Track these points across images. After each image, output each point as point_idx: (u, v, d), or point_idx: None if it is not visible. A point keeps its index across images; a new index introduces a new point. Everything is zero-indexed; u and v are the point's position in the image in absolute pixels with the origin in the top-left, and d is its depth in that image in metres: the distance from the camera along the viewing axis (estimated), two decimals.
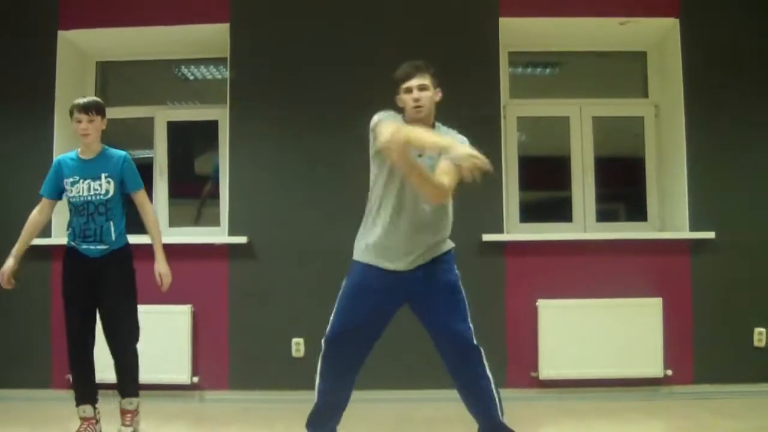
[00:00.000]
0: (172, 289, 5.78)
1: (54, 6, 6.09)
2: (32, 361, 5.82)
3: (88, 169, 4.46)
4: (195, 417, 5.43)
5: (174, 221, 6.39)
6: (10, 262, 4.49)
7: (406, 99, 3.86)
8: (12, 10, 6.10)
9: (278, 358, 5.79)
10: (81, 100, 4.50)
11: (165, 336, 5.71)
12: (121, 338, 4.50)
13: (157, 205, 6.33)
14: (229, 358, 5.85)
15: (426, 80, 3.87)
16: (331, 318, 3.85)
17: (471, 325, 3.91)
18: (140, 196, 4.59)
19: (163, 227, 6.24)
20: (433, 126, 3.90)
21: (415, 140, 3.46)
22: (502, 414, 3.86)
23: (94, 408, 4.52)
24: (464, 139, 3.84)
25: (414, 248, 3.78)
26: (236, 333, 5.86)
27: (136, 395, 4.62)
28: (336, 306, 3.87)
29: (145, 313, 5.55)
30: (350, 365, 3.85)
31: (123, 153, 4.58)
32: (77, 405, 4.48)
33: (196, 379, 5.79)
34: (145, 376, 5.47)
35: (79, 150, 4.55)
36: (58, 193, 4.56)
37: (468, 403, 3.93)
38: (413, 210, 3.75)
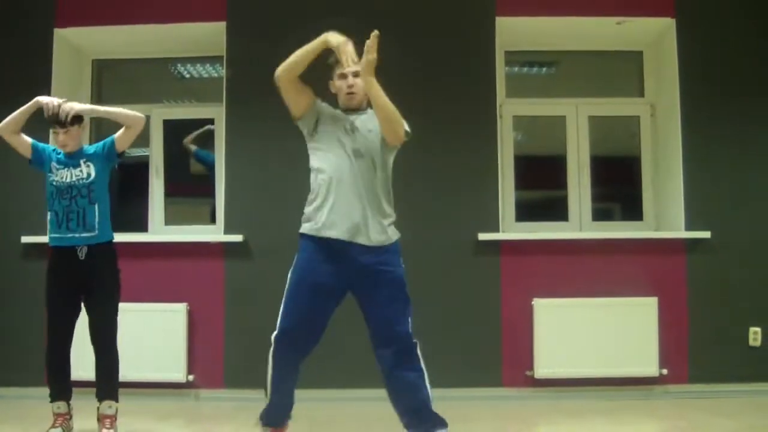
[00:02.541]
0: (167, 288, 5.81)
1: (50, 3, 6.09)
2: (26, 359, 5.80)
3: (70, 160, 4.51)
4: (190, 415, 5.43)
5: (170, 220, 6.37)
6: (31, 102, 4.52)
7: (340, 85, 3.94)
8: (8, 8, 6.09)
9: None
10: (50, 114, 4.48)
11: (160, 334, 5.71)
12: (107, 339, 4.48)
13: (152, 203, 6.33)
14: (225, 357, 5.85)
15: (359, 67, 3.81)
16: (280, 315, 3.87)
17: (410, 321, 3.81)
18: (117, 134, 4.57)
19: (158, 225, 6.27)
20: (365, 109, 3.95)
21: (298, 58, 3.99)
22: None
23: (68, 405, 4.52)
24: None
25: (359, 217, 3.74)
26: (232, 331, 5.85)
27: (116, 399, 4.53)
28: (283, 302, 3.90)
29: (141, 311, 5.60)
30: (299, 358, 3.87)
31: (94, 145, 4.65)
32: (52, 401, 4.48)
33: (191, 378, 5.79)
34: (140, 374, 5.50)
35: None
36: (38, 154, 4.57)
37: (397, 397, 3.86)
38: (355, 179, 3.77)
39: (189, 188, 6.80)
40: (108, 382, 4.50)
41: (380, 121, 3.79)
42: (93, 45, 6.42)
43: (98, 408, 4.50)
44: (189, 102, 6.90)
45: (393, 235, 3.86)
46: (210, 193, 6.34)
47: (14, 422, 4.96)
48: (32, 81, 5.99)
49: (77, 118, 4.52)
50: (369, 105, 3.93)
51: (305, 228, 3.89)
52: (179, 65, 6.76)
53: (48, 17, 6.08)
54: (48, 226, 4.52)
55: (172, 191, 6.44)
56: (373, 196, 3.79)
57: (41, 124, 4.55)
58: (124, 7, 6.08)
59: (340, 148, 3.82)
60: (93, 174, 4.49)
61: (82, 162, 4.50)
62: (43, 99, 4.46)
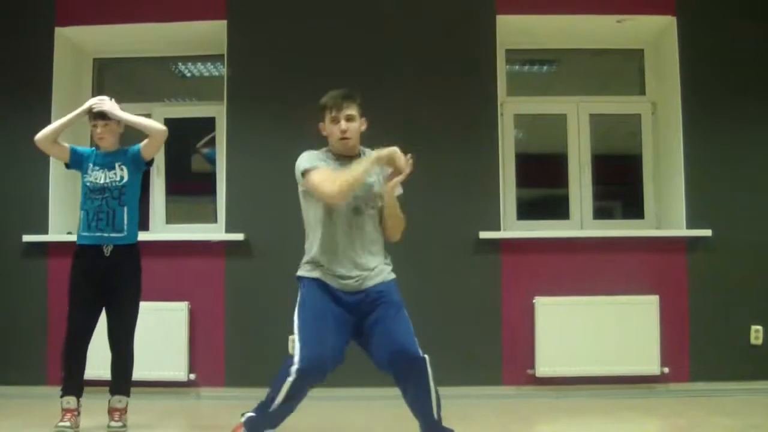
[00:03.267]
0: (169, 286, 5.81)
1: (51, 2, 6.09)
2: (27, 358, 5.82)
3: (106, 161, 4.62)
4: (191, 414, 5.44)
5: (171, 218, 6.37)
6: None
7: (332, 129, 3.84)
8: (8, 7, 6.09)
9: (275, 356, 5.73)
10: (97, 107, 4.63)
11: (162, 333, 5.70)
12: (124, 338, 4.61)
13: (154, 201, 6.33)
14: (226, 355, 5.85)
15: (353, 110, 3.83)
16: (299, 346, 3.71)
17: (415, 338, 3.74)
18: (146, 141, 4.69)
19: (159, 224, 6.27)
20: (359, 154, 3.86)
21: (357, 182, 3.64)
22: (440, 413, 3.76)
23: (78, 401, 4.54)
24: None
25: (355, 268, 3.76)
26: (233, 330, 5.85)
27: (128, 395, 4.67)
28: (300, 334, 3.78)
29: (142, 310, 5.56)
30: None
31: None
32: (63, 395, 4.52)
33: (192, 376, 5.79)
34: (141, 373, 5.47)
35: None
36: (77, 157, 4.66)
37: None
38: (349, 233, 3.78)
39: (190, 187, 6.80)
40: (123, 380, 4.65)
41: (390, 226, 3.90)
42: (94, 44, 6.41)
43: (109, 401, 4.63)
44: (190, 101, 6.90)
45: (389, 275, 3.93)
46: (211, 191, 6.34)
47: (15, 420, 4.95)
48: (33, 80, 6.01)
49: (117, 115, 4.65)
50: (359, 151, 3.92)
51: None
52: (180, 64, 6.76)
53: (49, 16, 6.08)
54: (79, 225, 4.63)
55: (173, 190, 6.44)
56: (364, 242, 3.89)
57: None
58: (125, 5, 6.08)
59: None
60: (126, 177, 4.60)
61: (117, 165, 4.60)
62: (93, 100, 4.63)
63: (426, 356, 3.70)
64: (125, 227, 4.57)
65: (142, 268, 4.69)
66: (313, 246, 3.89)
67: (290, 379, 3.61)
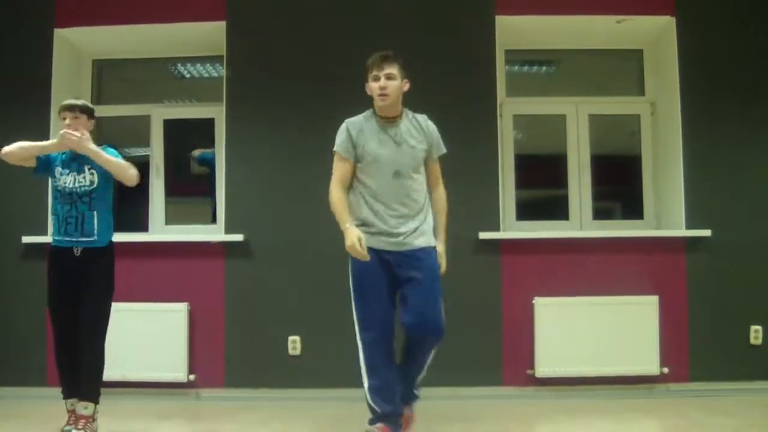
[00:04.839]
0: (168, 288, 5.81)
1: (50, 3, 6.10)
2: (27, 359, 5.81)
3: (75, 165, 4.51)
4: (191, 415, 5.44)
5: (170, 219, 6.37)
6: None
7: (373, 87, 4.13)
8: (7, 8, 6.09)
9: (275, 356, 5.80)
10: (67, 101, 4.58)
11: (161, 334, 5.71)
12: (91, 338, 4.43)
13: (153, 202, 6.33)
14: (226, 356, 5.84)
15: (394, 69, 4.12)
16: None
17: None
18: (119, 160, 4.54)
19: (159, 225, 6.27)
20: (400, 114, 4.17)
21: (337, 216, 4.14)
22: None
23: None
24: (432, 125, 4.32)
25: (398, 224, 4.11)
26: (233, 331, 5.85)
27: (95, 401, 4.45)
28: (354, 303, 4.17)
29: (141, 311, 5.60)
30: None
31: (104, 146, 4.58)
32: (65, 398, 4.50)
33: (192, 377, 5.78)
34: (141, 373, 5.51)
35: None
36: (43, 163, 4.55)
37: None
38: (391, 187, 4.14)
39: (189, 188, 6.80)
40: (88, 383, 4.43)
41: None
42: (93, 45, 6.41)
43: (75, 406, 4.45)
44: (189, 102, 6.90)
45: (432, 240, 4.29)
46: (210, 192, 6.34)
47: (14, 422, 4.96)
48: (32, 81, 6.02)
49: (87, 110, 4.57)
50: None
51: None
52: (179, 65, 6.76)
53: (48, 17, 6.08)
54: (51, 228, 4.59)
55: (172, 191, 6.44)
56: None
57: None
58: (124, 7, 6.09)
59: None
60: (96, 182, 4.50)
61: (86, 168, 4.50)
62: (65, 131, 4.43)
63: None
64: (95, 231, 4.47)
65: (114, 270, 4.56)
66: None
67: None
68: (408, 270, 4.08)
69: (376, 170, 4.11)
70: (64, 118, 4.49)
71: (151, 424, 4.95)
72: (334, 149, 4.21)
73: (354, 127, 4.17)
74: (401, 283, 4.11)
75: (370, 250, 4.02)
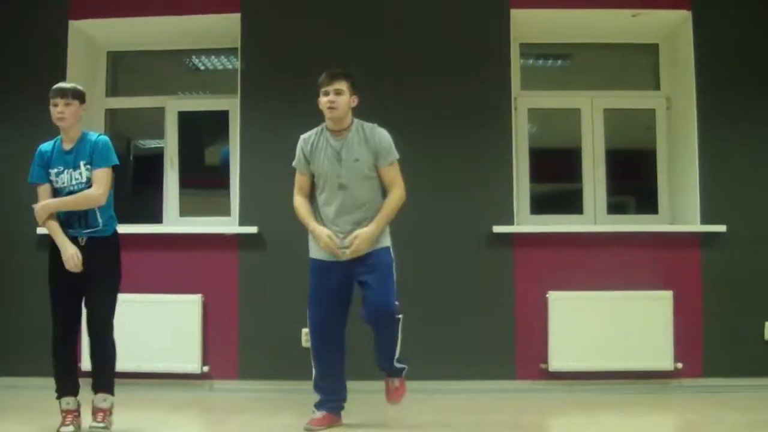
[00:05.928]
0: (182, 279, 5.83)
1: None
2: (39, 350, 5.80)
3: (69, 159, 4.39)
4: (204, 406, 5.45)
5: (184, 211, 6.39)
6: (71, 247, 4.31)
7: (323, 101, 4.44)
8: (23, 1, 6.10)
9: (288, 348, 5.80)
10: (58, 85, 4.46)
11: (175, 325, 5.74)
12: (100, 328, 4.35)
13: (167, 195, 6.34)
14: (239, 348, 5.86)
15: (342, 86, 4.41)
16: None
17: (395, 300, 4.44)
18: (97, 172, 4.36)
19: (173, 217, 6.28)
20: (348, 127, 4.50)
21: (303, 221, 4.64)
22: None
23: (77, 400, 4.40)
24: (380, 134, 4.47)
25: (348, 232, 4.42)
26: (246, 323, 5.87)
27: (111, 393, 4.37)
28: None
29: (156, 302, 5.62)
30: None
31: (96, 135, 4.48)
32: (59, 397, 4.36)
33: (206, 369, 5.80)
34: (155, 365, 5.53)
35: (61, 138, 4.46)
36: (47, 177, 4.44)
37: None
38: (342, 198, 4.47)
39: (204, 180, 6.81)
40: (103, 374, 4.37)
41: None
42: (107, 37, 6.43)
43: (93, 399, 4.37)
44: (203, 94, 6.91)
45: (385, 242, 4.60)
46: (225, 184, 6.35)
47: (27, 412, 4.96)
48: (47, 73, 6.00)
49: (80, 95, 4.43)
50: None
51: None
52: (194, 57, 6.77)
53: (62, 9, 6.09)
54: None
55: (187, 183, 6.46)
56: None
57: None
58: None
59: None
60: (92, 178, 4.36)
61: (82, 164, 4.36)
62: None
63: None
64: (99, 222, 4.36)
65: (120, 259, 4.47)
66: None
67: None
68: (360, 274, 4.43)
69: (324, 183, 4.49)
70: (56, 105, 4.34)
71: (165, 415, 4.96)
72: (293, 164, 4.63)
73: (306, 143, 4.57)
74: (358, 284, 4.49)
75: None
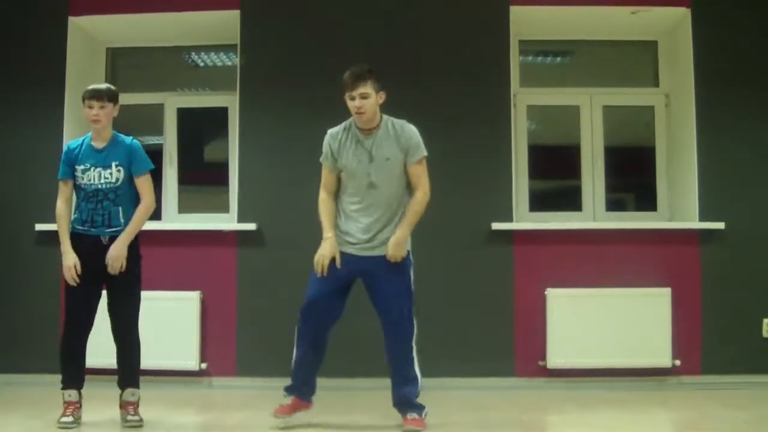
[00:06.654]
0: (181, 276, 5.83)
1: None
2: (46, 347, 5.82)
3: (100, 157, 4.41)
4: (203, 403, 5.45)
5: (183, 208, 6.39)
6: (72, 257, 4.36)
7: (350, 105, 4.32)
8: None
9: (286, 345, 5.77)
10: (93, 86, 4.48)
11: (173, 322, 5.73)
12: (126, 327, 4.46)
13: (166, 191, 6.35)
14: (237, 345, 5.87)
15: (367, 88, 4.26)
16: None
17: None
18: (141, 180, 4.48)
19: (172, 213, 6.28)
20: (378, 125, 4.37)
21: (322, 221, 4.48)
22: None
23: (80, 393, 4.44)
24: (409, 130, 4.38)
25: (370, 231, 4.33)
26: (244, 320, 5.87)
27: (138, 386, 4.51)
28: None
29: (154, 299, 5.58)
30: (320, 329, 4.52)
31: (130, 138, 4.54)
32: (64, 388, 4.40)
33: (204, 366, 5.81)
34: (153, 362, 5.48)
35: (91, 136, 4.49)
36: (72, 173, 4.45)
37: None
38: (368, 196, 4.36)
39: (203, 176, 6.81)
40: (130, 371, 4.50)
41: None
42: (107, 33, 6.43)
43: (120, 395, 4.48)
44: (203, 90, 6.90)
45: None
46: (224, 181, 6.34)
47: (33, 409, 4.96)
48: (47, 69, 6.02)
49: (114, 97, 4.46)
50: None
51: None
52: (193, 53, 6.77)
53: (62, 5, 6.09)
54: (72, 216, 4.48)
55: (186, 179, 6.46)
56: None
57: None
58: None
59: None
60: (121, 179, 4.41)
61: (114, 164, 4.40)
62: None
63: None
64: (122, 222, 4.41)
65: (141, 256, 4.55)
66: None
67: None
68: (374, 276, 4.35)
69: (352, 181, 4.37)
70: (91, 107, 4.37)
71: (163, 412, 4.95)
72: (320, 159, 4.49)
73: (334, 139, 4.43)
74: (367, 286, 4.42)
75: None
